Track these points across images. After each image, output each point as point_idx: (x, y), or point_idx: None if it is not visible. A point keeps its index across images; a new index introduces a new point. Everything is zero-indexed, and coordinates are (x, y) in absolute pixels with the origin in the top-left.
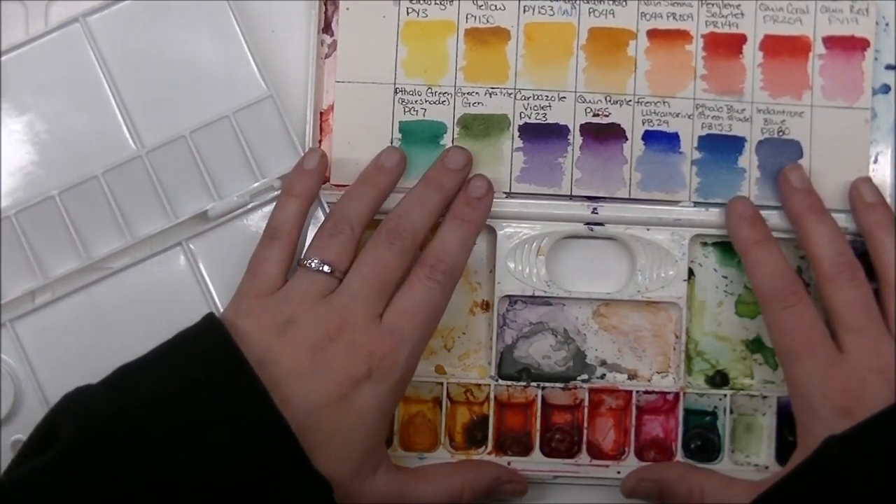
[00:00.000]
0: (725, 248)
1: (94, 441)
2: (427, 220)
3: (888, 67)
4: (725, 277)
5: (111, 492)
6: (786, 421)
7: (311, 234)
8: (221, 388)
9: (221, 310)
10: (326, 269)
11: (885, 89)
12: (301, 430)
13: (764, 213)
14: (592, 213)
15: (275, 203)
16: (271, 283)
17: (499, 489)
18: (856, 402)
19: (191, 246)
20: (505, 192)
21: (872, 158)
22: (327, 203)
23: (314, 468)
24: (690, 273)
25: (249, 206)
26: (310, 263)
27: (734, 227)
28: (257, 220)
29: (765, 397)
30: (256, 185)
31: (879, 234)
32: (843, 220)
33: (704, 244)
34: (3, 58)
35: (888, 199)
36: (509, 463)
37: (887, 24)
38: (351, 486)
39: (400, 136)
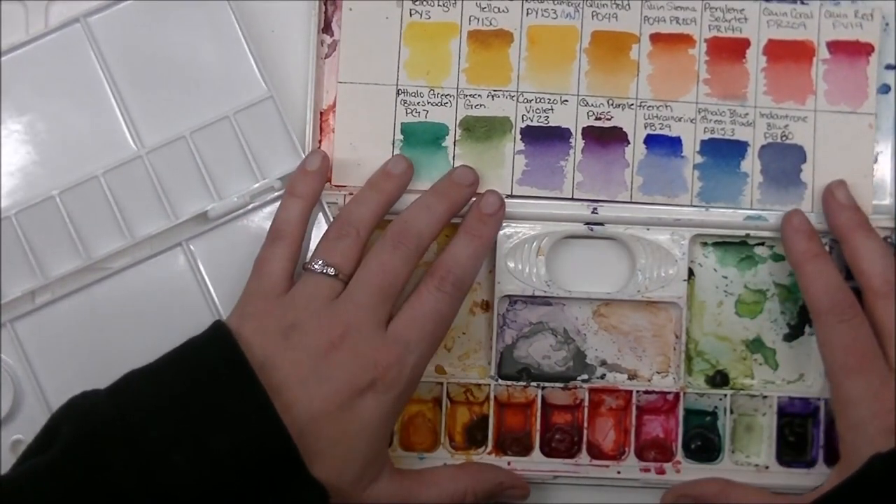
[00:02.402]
0: (725, 248)
1: (92, 444)
2: (433, 227)
3: (888, 67)
4: (725, 277)
5: (108, 494)
6: (786, 421)
7: (314, 237)
8: (223, 393)
9: (221, 310)
10: (331, 271)
11: (885, 89)
12: (301, 437)
13: (765, 214)
14: (592, 213)
15: (276, 203)
16: (277, 283)
17: (501, 493)
18: None
19: (191, 246)
20: (506, 195)
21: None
22: (327, 203)
23: (311, 475)
24: (690, 273)
25: (250, 207)
26: (314, 266)
27: (791, 240)
28: (258, 221)
29: (765, 397)
30: (257, 185)
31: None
32: None
33: (704, 244)
34: (5, 58)
35: (888, 200)
36: (509, 463)
37: (887, 24)
38: (352, 494)
39: (401, 137)
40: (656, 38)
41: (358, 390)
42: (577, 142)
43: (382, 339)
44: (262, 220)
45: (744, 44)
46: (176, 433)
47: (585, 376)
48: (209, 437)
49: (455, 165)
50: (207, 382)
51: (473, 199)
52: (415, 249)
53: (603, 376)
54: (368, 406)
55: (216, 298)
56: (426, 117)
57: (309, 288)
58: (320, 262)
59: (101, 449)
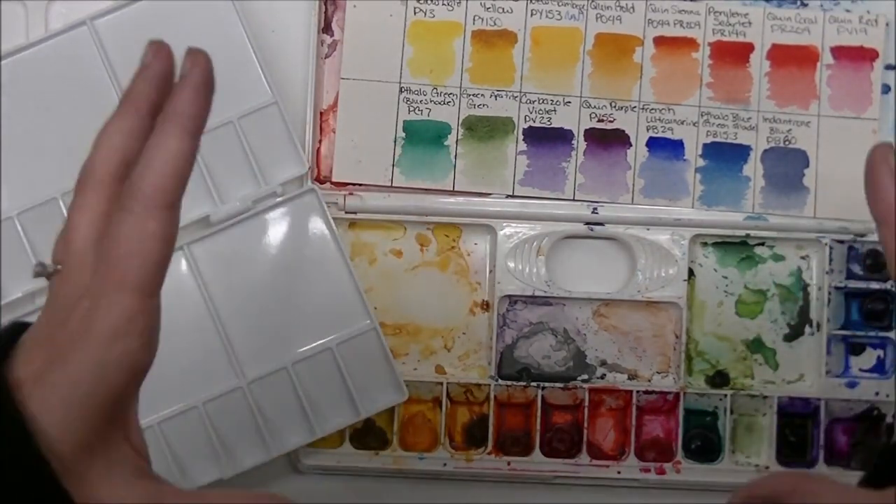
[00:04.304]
0: (725, 248)
1: None
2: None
3: (888, 67)
4: (725, 277)
5: None
6: (786, 421)
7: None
8: None
9: (221, 314)
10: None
11: (886, 89)
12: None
13: (766, 215)
14: (592, 213)
15: (279, 209)
16: None
17: None
18: None
19: (192, 250)
20: (507, 195)
21: None
22: (328, 203)
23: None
24: (690, 273)
25: (252, 212)
26: None
27: (882, 186)
28: (259, 226)
29: (765, 397)
30: (259, 190)
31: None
32: (851, 228)
33: (704, 244)
34: (10, 59)
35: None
36: (509, 463)
37: (887, 24)
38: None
39: (404, 134)
40: (660, 41)
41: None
42: (580, 143)
43: None
44: (264, 225)
45: (747, 48)
46: None
47: (585, 376)
48: None
49: (455, 165)
50: None
51: None
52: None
53: (603, 376)
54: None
55: (217, 302)
56: (429, 115)
57: None
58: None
59: None
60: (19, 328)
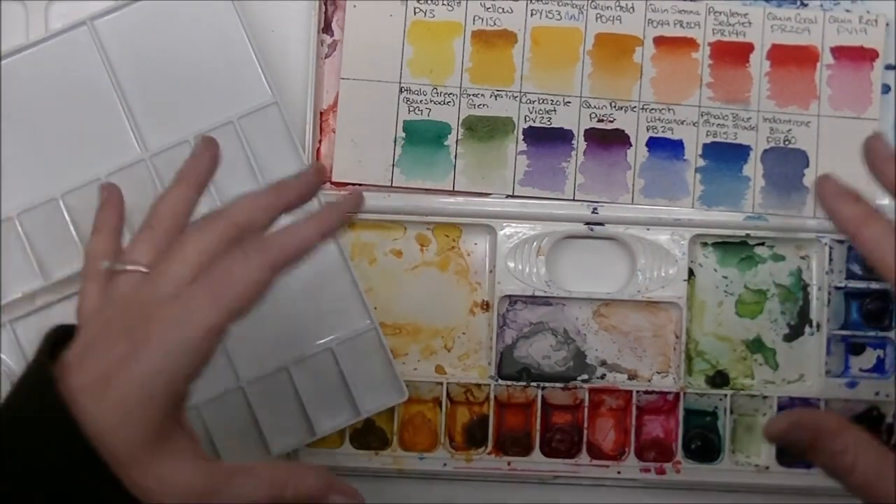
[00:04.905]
0: (725, 248)
1: None
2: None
3: (888, 67)
4: (725, 277)
5: None
6: None
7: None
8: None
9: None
10: (126, 266)
11: (886, 89)
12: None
13: (766, 215)
14: (592, 213)
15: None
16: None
17: (327, 497)
18: None
19: None
20: (507, 195)
21: None
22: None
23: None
24: (690, 273)
25: None
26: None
27: (834, 206)
28: None
29: (765, 397)
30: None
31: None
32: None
33: (704, 244)
34: (10, 59)
35: (888, 200)
36: (509, 463)
37: (887, 24)
38: (136, 462)
39: (404, 135)
40: (660, 41)
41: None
42: (580, 143)
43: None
44: None
45: (747, 48)
46: None
47: (585, 376)
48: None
49: (455, 165)
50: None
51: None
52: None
53: (603, 376)
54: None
55: None
56: (429, 115)
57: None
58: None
59: None
60: (63, 332)
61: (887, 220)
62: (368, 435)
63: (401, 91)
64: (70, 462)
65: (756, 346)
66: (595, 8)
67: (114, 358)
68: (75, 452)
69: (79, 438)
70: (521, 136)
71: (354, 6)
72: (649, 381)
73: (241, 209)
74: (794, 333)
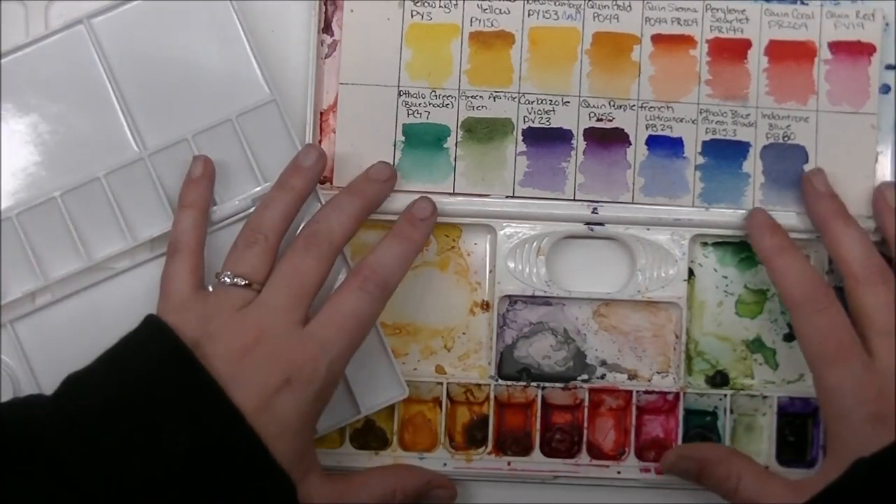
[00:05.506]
0: (725, 248)
1: (46, 454)
2: (346, 225)
3: (888, 67)
4: (725, 277)
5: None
6: (786, 421)
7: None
8: (170, 385)
9: None
10: (240, 281)
11: (886, 89)
12: None
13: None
14: (592, 212)
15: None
16: (184, 298)
17: (430, 493)
18: (888, 406)
19: None
20: (507, 196)
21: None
22: None
23: (275, 461)
24: (690, 273)
25: (251, 210)
26: (224, 278)
27: (756, 237)
28: None
29: (765, 397)
30: (258, 188)
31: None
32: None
33: (704, 244)
34: (7, 58)
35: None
36: (509, 463)
37: (887, 24)
38: None
39: (403, 138)
40: (657, 39)
41: (273, 389)
42: (579, 143)
43: (298, 338)
44: None
45: (745, 44)
46: (129, 433)
47: (585, 376)
48: (163, 432)
49: (455, 167)
50: (153, 376)
51: (407, 202)
52: (327, 249)
53: (603, 376)
54: (285, 405)
55: None
56: (427, 118)
57: (219, 299)
58: (229, 274)
59: (54, 459)
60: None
61: (800, 254)
62: (368, 435)
63: (399, 94)
64: (253, 472)
65: (756, 345)
66: (592, 7)
67: (272, 386)
68: (258, 462)
69: (262, 450)
70: (520, 137)
71: (352, 10)
72: (649, 381)
73: (334, 228)
74: (794, 334)
